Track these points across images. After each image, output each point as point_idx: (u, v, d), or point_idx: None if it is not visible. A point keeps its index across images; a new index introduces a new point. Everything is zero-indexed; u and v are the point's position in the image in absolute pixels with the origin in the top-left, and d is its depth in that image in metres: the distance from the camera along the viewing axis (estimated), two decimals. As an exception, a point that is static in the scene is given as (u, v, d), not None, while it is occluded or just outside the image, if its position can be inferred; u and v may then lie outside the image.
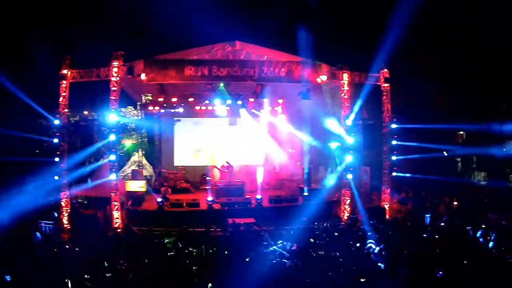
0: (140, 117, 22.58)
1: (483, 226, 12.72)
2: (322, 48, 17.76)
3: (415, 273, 9.09)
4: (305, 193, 18.67)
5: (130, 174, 20.48)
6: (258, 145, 23.76)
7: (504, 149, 21.55)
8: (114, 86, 15.62)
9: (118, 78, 15.61)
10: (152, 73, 15.95)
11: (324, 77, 16.91)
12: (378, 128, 18.26)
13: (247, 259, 10.11)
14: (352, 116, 17.27)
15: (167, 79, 16.28)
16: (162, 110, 21.28)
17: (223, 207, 17.34)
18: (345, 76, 17.09)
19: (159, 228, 14.83)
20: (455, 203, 17.53)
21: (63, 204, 15.57)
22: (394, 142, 17.88)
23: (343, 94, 17.15)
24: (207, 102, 20.32)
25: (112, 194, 15.67)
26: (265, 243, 11.47)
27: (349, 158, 17.10)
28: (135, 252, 10.89)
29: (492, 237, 11.69)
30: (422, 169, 19.20)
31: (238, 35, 17.30)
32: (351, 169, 17.15)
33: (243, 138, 23.67)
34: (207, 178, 19.78)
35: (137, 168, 21.21)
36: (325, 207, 17.17)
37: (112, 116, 15.68)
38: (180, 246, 11.65)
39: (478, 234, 12.13)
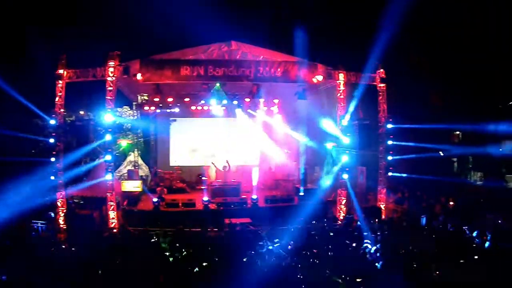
0: (136, 117, 22.57)
1: (479, 226, 12.75)
2: (318, 48, 17.79)
3: (411, 272, 9.10)
4: (301, 193, 18.64)
5: (126, 174, 20.41)
6: (254, 145, 23.73)
7: (500, 149, 21.54)
8: (110, 86, 15.64)
9: (114, 78, 15.63)
10: (148, 73, 15.97)
11: (320, 77, 16.96)
12: (374, 128, 18.31)
13: (244, 259, 10.10)
14: (348, 116, 17.30)
15: (163, 79, 16.32)
16: (158, 110, 21.21)
17: (219, 207, 17.34)
18: (341, 76, 17.16)
19: (155, 228, 14.76)
20: (451, 203, 17.54)
21: (59, 204, 15.58)
22: (390, 142, 17.93)
23: (339, 94, 17.19)
24: (203, 102, 20.27)
25: (108, 194, 15.71)
26: (261, 243, 11.47)
27: (345, 158, 17.14)
28: (131, 252, 10.87)
29: (488, 237, 11.73)
30: (418, 169, 19.17)
31: (234, 35, 17.37)
32: (347, 169, 17.19)
33: (239, 138, 23.64)
34: (203, 178, 19.81)
35: (133, 168, 21.14)
36: (321, 207, 17.16)
37: (108, 116, 15.69)
38: (176, 246, 11.62)
39: (474, 234, 12.17)
